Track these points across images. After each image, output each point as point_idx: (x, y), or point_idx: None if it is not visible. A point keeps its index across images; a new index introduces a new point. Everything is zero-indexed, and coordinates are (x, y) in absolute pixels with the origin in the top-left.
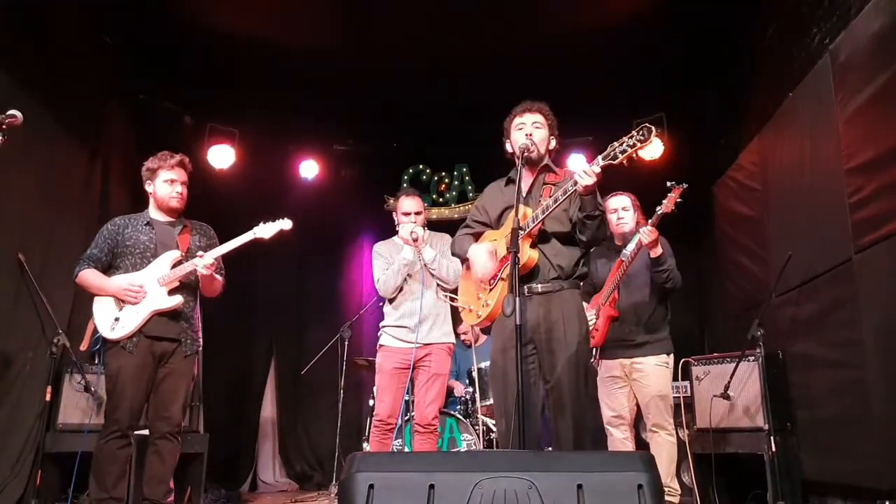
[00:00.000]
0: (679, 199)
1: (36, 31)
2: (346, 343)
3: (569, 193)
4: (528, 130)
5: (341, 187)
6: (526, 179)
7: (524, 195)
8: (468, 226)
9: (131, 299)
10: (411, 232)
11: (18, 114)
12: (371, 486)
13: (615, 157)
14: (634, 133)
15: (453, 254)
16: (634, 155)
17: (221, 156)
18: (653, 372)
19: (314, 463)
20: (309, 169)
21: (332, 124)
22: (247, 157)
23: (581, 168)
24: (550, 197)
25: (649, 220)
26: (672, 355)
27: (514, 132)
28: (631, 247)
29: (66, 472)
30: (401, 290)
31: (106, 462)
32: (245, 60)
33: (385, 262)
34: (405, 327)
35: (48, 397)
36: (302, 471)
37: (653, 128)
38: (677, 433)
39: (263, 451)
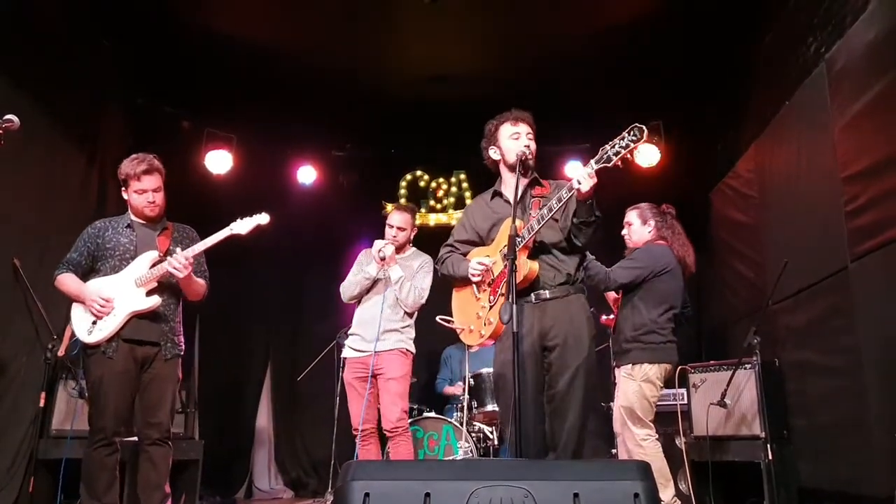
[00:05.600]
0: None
1: (33, 35)
2: (343, 349)
3: (564, 200)
4: (526, 141)
5: (339, 193)
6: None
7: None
8: (452, 246)
9: (95, 311)
10: (379, 251)
11: (15, 118)
12: (367, 495)
13: (609, 160)
14: (626, 134)
15: (443, 275)
16: (628, 156)
17: (219, 161)
18: (622, 381)
19: (310, 470)
20: (307, 174)
21: (331, 130)
22: (244, 163)
23: (578, 174)
24: (543, 207)
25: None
26: (638, 365)
27: (506, 140)
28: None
29: (59, 479)
30: (360, 300)
31: (95, 470)
32: (243, 65)
33: (359, 267)
34: (359, 335)
35: (42, 403)
36: (297, 478)
37: (644, 127)
38: (675, 441)
39: (259, 458)
